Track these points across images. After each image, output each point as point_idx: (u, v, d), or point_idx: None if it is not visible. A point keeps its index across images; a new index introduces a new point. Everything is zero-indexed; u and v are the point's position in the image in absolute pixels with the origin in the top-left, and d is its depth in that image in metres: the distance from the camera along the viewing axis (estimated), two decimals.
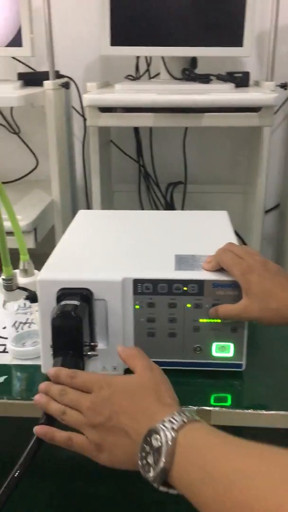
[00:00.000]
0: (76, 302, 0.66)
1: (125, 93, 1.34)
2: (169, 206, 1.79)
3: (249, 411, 0.67)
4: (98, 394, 0.54)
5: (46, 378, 0.60)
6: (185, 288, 0.69)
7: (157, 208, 1.83)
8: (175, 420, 0.48)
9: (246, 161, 1.82)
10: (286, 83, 1.55)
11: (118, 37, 1.45)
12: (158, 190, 1.80)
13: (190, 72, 1.52)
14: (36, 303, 0.70)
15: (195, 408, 0.67)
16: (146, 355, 0.61)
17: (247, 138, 1.78)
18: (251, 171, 1.71)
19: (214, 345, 0.72)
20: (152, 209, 1.84)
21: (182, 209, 1.81)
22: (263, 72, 1.70)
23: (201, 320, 0.70)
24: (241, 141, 1.81)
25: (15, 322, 0.80)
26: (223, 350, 0.72)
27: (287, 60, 1.68)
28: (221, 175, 1.85)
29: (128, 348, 0.62)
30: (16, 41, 1.48)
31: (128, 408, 0.52)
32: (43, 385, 0.59)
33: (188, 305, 0.70)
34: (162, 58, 1.54)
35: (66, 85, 1.59)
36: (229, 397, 0.71)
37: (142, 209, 1.85)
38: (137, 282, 0.69)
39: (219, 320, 0.70)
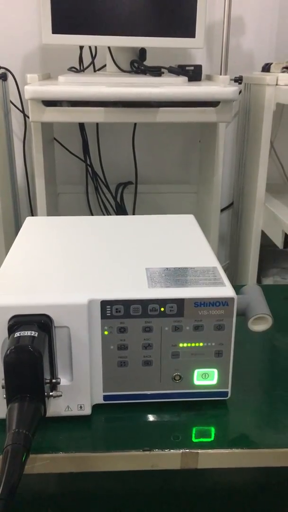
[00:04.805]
0: (33, 333, 0.54)
1: (71, 86, 1.22)
2: (120, 208, 1.67)
3: (245, 450, 0.57)
4: None
5: None
6: (162, 309, 0.59)
7: (107, 210, 1.71)
8: None
9: (198, 159, 1.74)
10: (241, 77, 1.48)
11: (61, 24, 1.32)
12: (108, 191, 1.69)
13: (139, 64, 1.41)
14: None
15: (180, 451, 0.57)
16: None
17: (199, 135, 1.71)
18: (205, 169, 1.63)
19: (196, 372, 0.62)
20: (101, 211, 1.72)
21: (133, 210, 1.70)
22: (213, 65, 1.63)
23: (181, 345, 0.61)
24: (192, 138, 1.73)
25: None
26: (205, 378, 0.63)
27: (237, 53, 1.61)
28: (172, 174, 1.77)
29: None
30: None
31: None
32: None
33: (166, 328, 0.60)
34: (109, 48, 1.42)
35: (3, 77, 1.44)
36: (212, 430, 0.62)
37: (91, 211, 1.73)
38: (105, 304, 0.58)
39: (201, 344, 0.61)
